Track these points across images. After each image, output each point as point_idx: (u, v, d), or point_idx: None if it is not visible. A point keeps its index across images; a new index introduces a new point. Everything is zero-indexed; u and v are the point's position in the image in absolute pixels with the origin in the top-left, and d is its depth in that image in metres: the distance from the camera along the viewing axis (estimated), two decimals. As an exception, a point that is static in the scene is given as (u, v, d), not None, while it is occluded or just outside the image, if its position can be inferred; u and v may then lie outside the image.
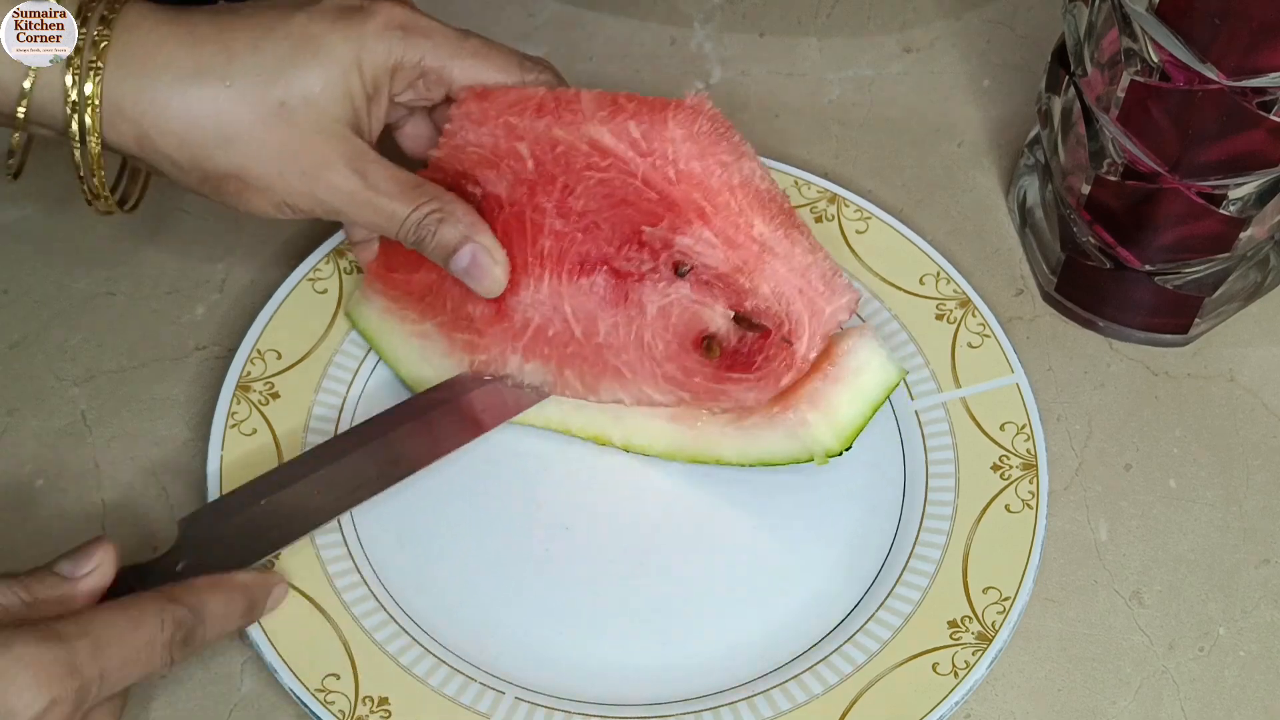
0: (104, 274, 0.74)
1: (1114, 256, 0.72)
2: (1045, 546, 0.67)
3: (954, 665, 0.61)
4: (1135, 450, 0.71)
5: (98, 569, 0.55)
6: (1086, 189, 0.70)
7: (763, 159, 0.76)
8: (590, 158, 0.63)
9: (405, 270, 0.67)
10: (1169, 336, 0.74)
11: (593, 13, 0.86)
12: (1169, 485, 0.70)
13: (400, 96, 0.64)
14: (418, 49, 0.62)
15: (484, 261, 0.63)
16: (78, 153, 0.59)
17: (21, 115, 0.58)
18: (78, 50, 0.57)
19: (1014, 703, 0.63)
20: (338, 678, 0.60)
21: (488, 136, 0.64)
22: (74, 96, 0.57)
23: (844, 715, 0.60)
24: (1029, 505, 0.65)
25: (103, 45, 0.57)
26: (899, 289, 0.72)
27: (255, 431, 0.66)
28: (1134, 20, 0.63)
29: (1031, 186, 0.77)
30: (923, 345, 0.71)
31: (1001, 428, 0.68)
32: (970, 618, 0.62)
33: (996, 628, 0.62)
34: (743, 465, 0.66)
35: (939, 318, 0.72)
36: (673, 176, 0.62)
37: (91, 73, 0.57)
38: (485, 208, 0.65)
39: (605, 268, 0.64)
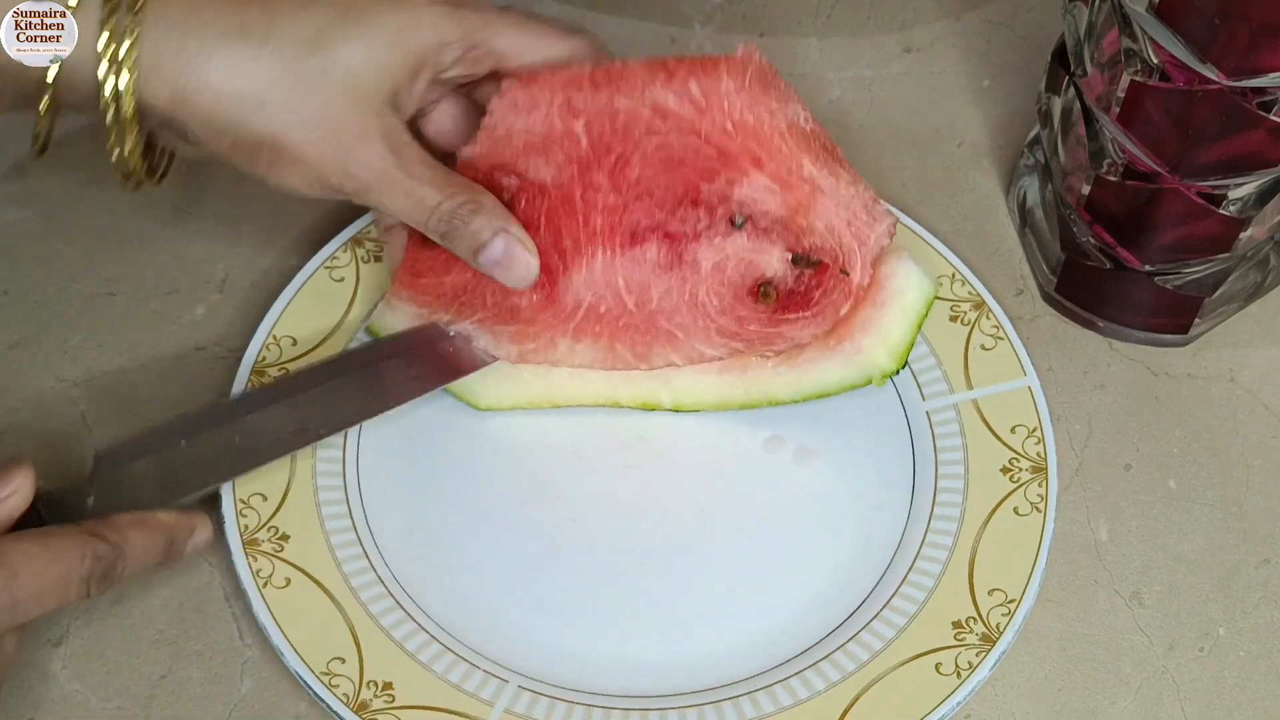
0: (104, 274, 0.74)
1: (1114, 257, 0.72)
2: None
3: (957, 666, 0.61)
4: (1135, 450, 0.71)
5: (15, 494, 0.54)
6: (1086, 189, 0.70)
7: None
8: (653, 123, 0.63)
9: (435, 274, 0.67)
10: (1169, 337, 0.74)
11: (593, 13, 0.86)
12: (1169, 485, 0.70)
13: (446, 73, 0.63)
14: (464, 24, 0.61)
15: (517, 252, 0.62)
16: (110, 116, 0.57)
17: (50, 80, 0.57)
18: (113, 8, 0.56)
19: (1014, 703, 0.63)
20: (343, 661, 0.60)
21: (540, 121, 0.64)
22: (110, 55, 0.56)
23: (845, 713, 0.60)
24: (1037, 508, 0.66)
25: (140, 3, 0.56)
26: None
27: None
28: (1134, 20, 0.63)
29: (1031, 187, 0.77)
30: (936, 346, 0.71)
31: (1012, 430, 0.68)
32: (975, 619, 0.62)
33: (1001, 629, 0.62)
34: (796, 401, 0.68)
35: (953, 319, 0.72)
36: (730, 129, 0.62)
37: (129, 31, 0.56)
38: (525, 198, 0.65)
39: (659, 234, 0.64)
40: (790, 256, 0.63)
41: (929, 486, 0.67)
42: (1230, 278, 0.72)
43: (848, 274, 0.63)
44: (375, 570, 0.63)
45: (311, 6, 0.58)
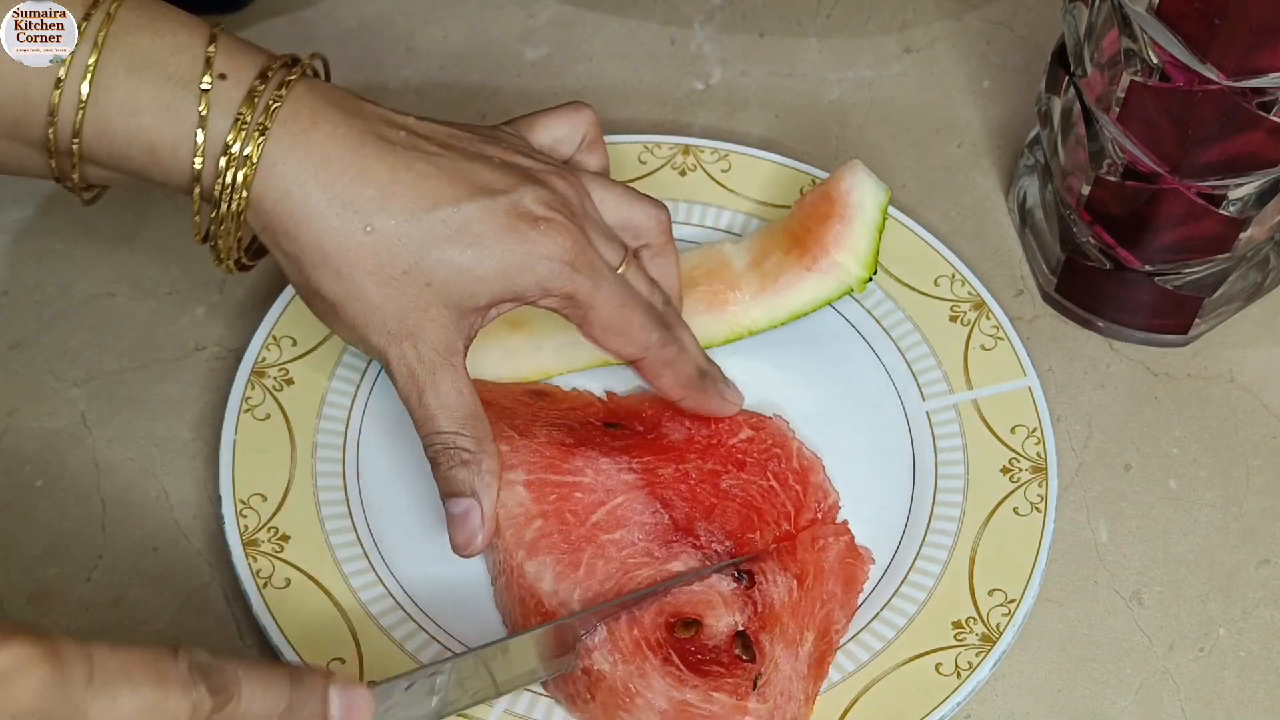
0: (104, 275, 0.74)
1: (1114, 257, 0.72)
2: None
3: (957, 666, 0.61)
4: (1135, 451, 0.71)
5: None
6: (1086, 189, 0.70)
7: (770, 154, 0.77)
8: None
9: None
10: (1169, 337, 0.74)
11: (593, 13, 0.86)
12: (1169, 486, 0.70)
13: (539, 304, 0.61)
14: (572, 283, 0.59)
15: (473, 525, 0.60)
16: (225, 207, 0.57)
17: (199, 168, 0.56)
18: (250, 109, 0.56)
19: (1014, 703, 0.63)
20: (343, 662, 0.60)
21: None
22: (235, 155, 0.55)
23: (845, 713, 0.60)
24: (1037, 508, 0.65)
25: (274, 108, 0.56)
26: (913, 290, 0.73)
27: (269, 417, 0.67)
28: (1134, 21, 0.63)
29: (1031, 187, 0.77)
30: (935, 347, 0.71)
31: (1012, 430, 0.68)
32: (975, 619, 0.62)
33: (1001, 630, 0.62)
34: (774, 326, 0.70)
35: (953, 319, 0.72)
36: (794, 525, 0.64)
37: (257, 134, 0.55)
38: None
39: (673, 524, 0.63)
40: (740, 634, 0.60)
41: (929, 486, 0.67)
42: (1230, 278, 0.72)
43: (751, 690, 0.58)
44: (375, 571, 0.63)
45: (428, 216, 0.57)
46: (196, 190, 0.57)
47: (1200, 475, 0.70)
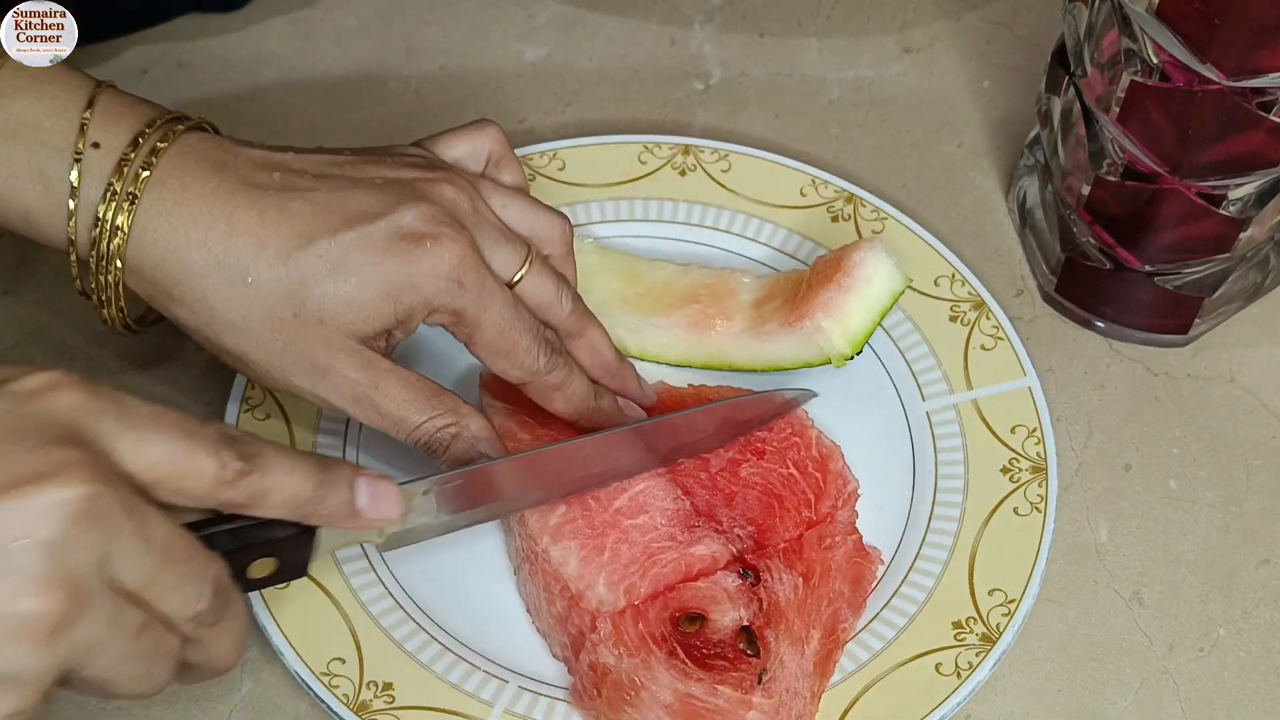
0: (104, 274, 0.74)
1: (1114, 257, 0.72)
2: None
3: (957, 666, 0.61)
4: (1135, 451, 0.71)
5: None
6: (1086, 189, 0.70)
7: (770, 154, 0.77)
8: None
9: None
10: (1169, 337, 0.74)
11: (593, 13, 0.86)
12: (1169, 486, 0.70)
13: (429, 321, 0.60)
14: (462, 299, 0.58)
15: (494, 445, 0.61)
16: (102, 278, 0.56)
17: (70, 235, 0.56)
18: (119, 179, 0.55)
19: (1014, 703, 0.63)
20: (343, 662, 0.60)
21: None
22: (107, 225, 0.55)
23: (845, 713, 0.60)
24: (1037, 509, 0.65)
25: (144, 176, 0.56)
26: (913, 290, 0.72)
27: (269, 417, 0.67)
28: (1134, 21, 0.63)
29: (1031, 187, 0.77)
30: (936, 347, 0.71)
31: (1012, 430, 0.68)
32: (975, 619, 0.62)
33: (1001, 630, 0.62)
34: (754, 370, 0.70)
35: (953, 319, 0.72)
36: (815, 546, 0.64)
37: (127, 204, 0.55)
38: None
39: (695, 509, 0.64)
40: (745, 629, 0.61)
41: (929, 486, 0.67)
42: (1230, 278, 0.72)
43: (756, 684, 0.59)
44: (375, 570, 0.63)
45: (303, 253, 0.56)
46: (73, 256, 0.57)
47: (1200, 475, 0.70)
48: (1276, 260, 0.73)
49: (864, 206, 0.75)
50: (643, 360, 0.70)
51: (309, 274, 0.56)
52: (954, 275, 0.73)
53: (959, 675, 0.61)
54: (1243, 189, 0.66)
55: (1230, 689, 0.64)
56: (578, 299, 0.64)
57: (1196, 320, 0.73)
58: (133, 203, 0.55)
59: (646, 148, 0.77)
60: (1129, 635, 0.65)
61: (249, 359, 0.58)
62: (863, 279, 0.67)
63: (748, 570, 0.62)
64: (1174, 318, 0.73)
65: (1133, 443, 0.71)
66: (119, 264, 0.56)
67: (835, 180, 0.76)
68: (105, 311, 0.58)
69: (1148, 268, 0.71)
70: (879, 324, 0.68)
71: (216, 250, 0.56)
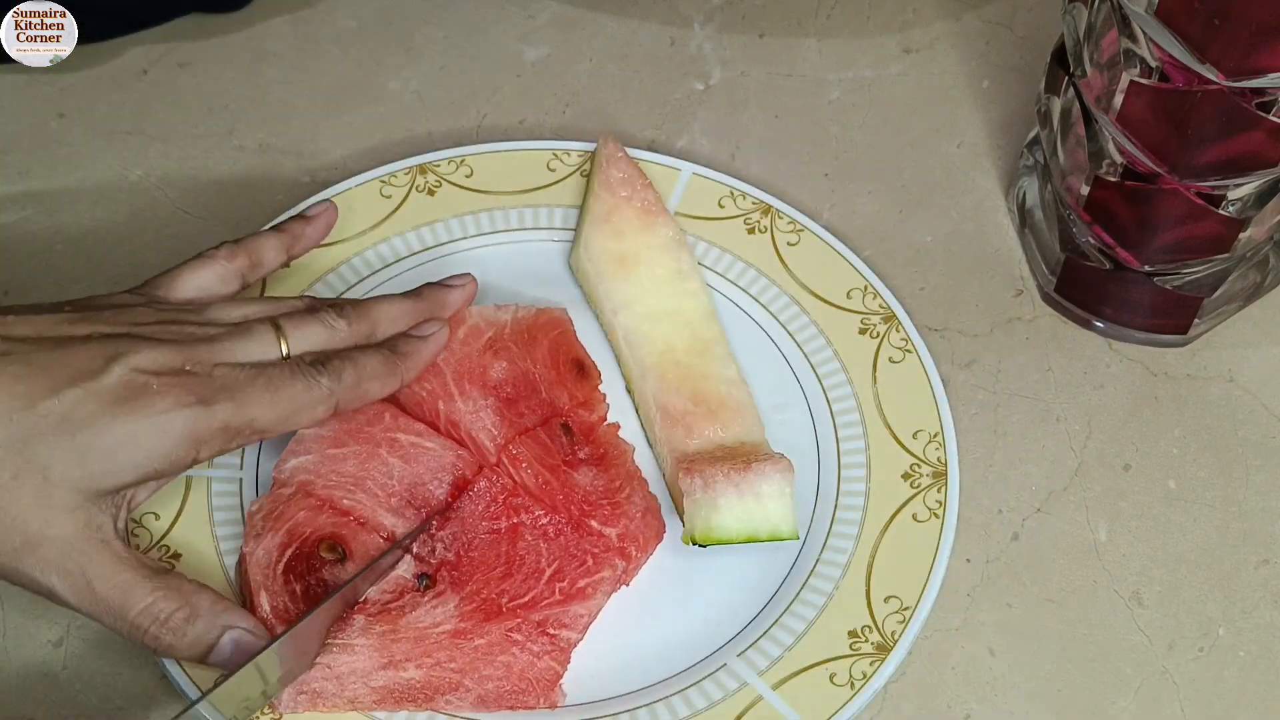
0: (104, 275, 0.74)
1: (1113, 257, 0.72)
2: (1045, 548, 0.67)
3: (850, 676, 0.61)
4: (1135, 451, 0.71)
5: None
6: (1086, 190, 0.70)
7: (686, 163, 0.76)
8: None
9: None
10: (1168, 337, 0.74)
11: (593, 13, 0.86)
12: (1168, 486, 0.70)
13: (203, 456, 0.59)
14: (217, 417, 0.57)
15: (248, 643, 0.58)
16: None
17: None
18: None
19: (1014, 703, 0.63)
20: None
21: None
22: None
23: None
24: (935, 514, 0.65)
25: None
26: (825, 302, 0.72)
27: None
28: (1133, 21, 0.63)
29: (1031, 187, 0.77)
30: (844, 358, 0.71)
31: (914, 435, 0.68)
32: (870, 628, 0.62)
33: (896, 638, 0.62)
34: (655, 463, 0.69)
35: (863, 332, 0.71)
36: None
37: None
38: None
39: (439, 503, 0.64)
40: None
41: (831, 494, 0.67)
42: (1230, 278, 0.72)
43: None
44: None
45: (25, 414, 0.54)
46: None
47: (1200, 475, 0.70)
48: (1276, 260, 0.73)
49: (781, 219, 0.75)
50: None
51: (34, 432, 0.54)
52: (866, 288, 0.73)
53: (852, 686, 0.61)
54: (1242, 189, 0.66)
55: (1230, 689, 0.64)
56: (341, 312, 0.63)
57: (1196, 320, 0.73)
58: None
59: (555, 154, 0.77)
60: (1129, 635, 0.65)
61: None
62: (761, 495, 0.64)
63: (425, 576, 0.62)
64: (1174, 318, 0.73)
65: (1132, 443, 0.71)
66: None
67: (753, 191, 0.76)
68: None
69: (1147, 268, 0.71)
70: (739, 541, 0.64)
71: None
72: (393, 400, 0.65)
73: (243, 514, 0.64)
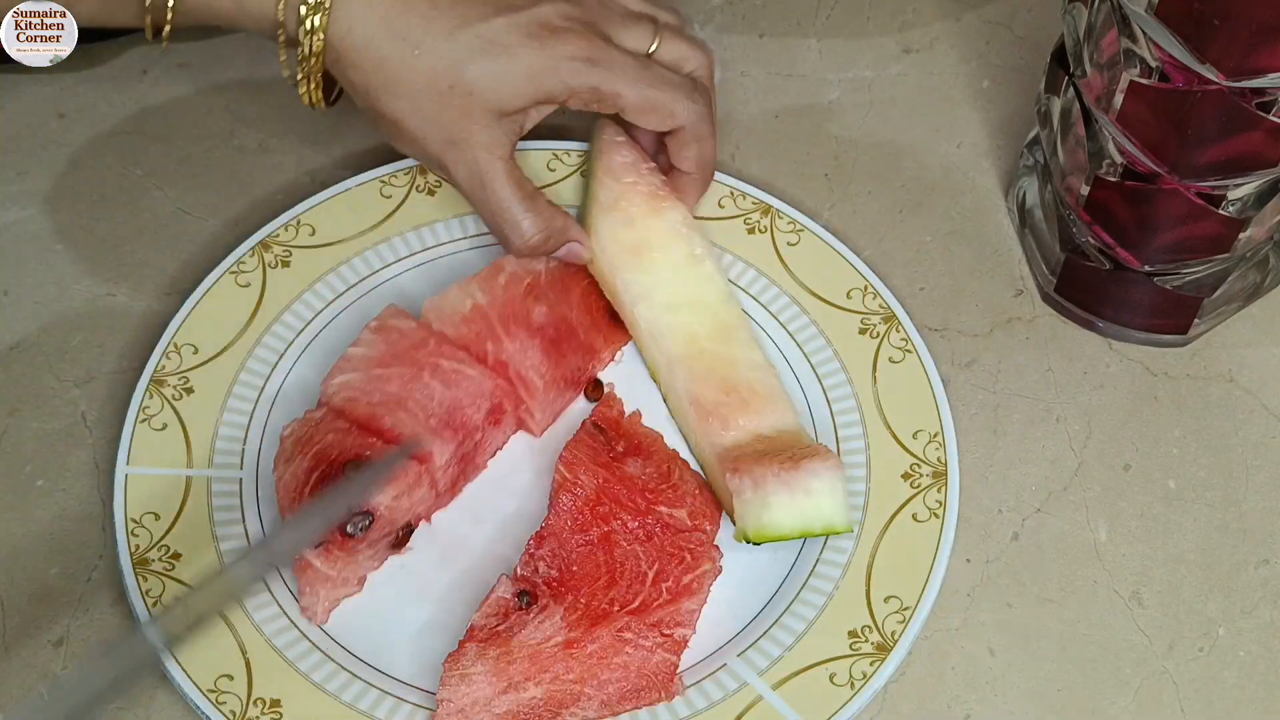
0: (104, 275, 0.74)
1: (1113, 257, 0.72)
2: (1045, 548, 0.67)
3: (851, 676, 0.61)
4: (1134, 451, 0.71)
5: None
6: (1086, 190, 0.70)
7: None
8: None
9: None
10: (1168, 337, 0.74)
11: (592, 13, 0.86)
12: (1168, 486, 0.70)
13: (572, 105, 0.69)
14: (594, 79, 0.67)
15: (577, 253, 0.71)
16: (306, 49, 0.66)
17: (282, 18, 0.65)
18: None
19: (1014, 703, 0.63)
20: (231, 679, 0.60)
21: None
22: (308, 25, 0.65)
23: None
24: (935, 514, 0.65)
25: None
26: (826, 302, 0.72)
27: (165, 426, 0.66)
28: (1133, 21, 0.63)
29: (1031, 187, 0.77)
30: (844, 358, 0.71)
31: (914, 435, 0.68)
32: (870, 627, 0.62)
33: (896, 638, 0.62)
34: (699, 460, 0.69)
35: (863, 332, 0.71)
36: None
37: (321, 11, 0.65)
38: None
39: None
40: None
41: None
42: (1229, 278, 0.72)
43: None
44: (269, 589, 0.63)
45: (463, 32, 0.66)
46: (281, 36, 0.66)
47: (1200, 475, 0.70)
48: (1276, 260, 0.73)
49: (781, 219, 0.75)
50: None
51: (466, 51, 0.66)
52: (866, 288, 0.73)
53: (852, 685, 0.61)
54: (1242, 189, 0.66)
55: (1230, 689, 0.64)
56: (691, 44, 0.72)
57: (1196, 320, 0.73)
58: None
59: (555, 154, 0.77)
60: (1128, 635, 0.65)
61: (402, 124, 0.67)
62: (812, 491, 0.63)
63: (525, 594, 0.62)
64: (1174, 318, 0.73)
65: (1132, 443, 0.71)
66: (322, 36, 0.65)
67: (753, 191, 0.76)
68: (304, 87, 0.68)
69: (1147, 268, 0.71)
70: (797, 537, 0.64)
71: (394, 25, 0.65)
72: (443, 339, 0.67)
73: (243, 514, 0.64)
